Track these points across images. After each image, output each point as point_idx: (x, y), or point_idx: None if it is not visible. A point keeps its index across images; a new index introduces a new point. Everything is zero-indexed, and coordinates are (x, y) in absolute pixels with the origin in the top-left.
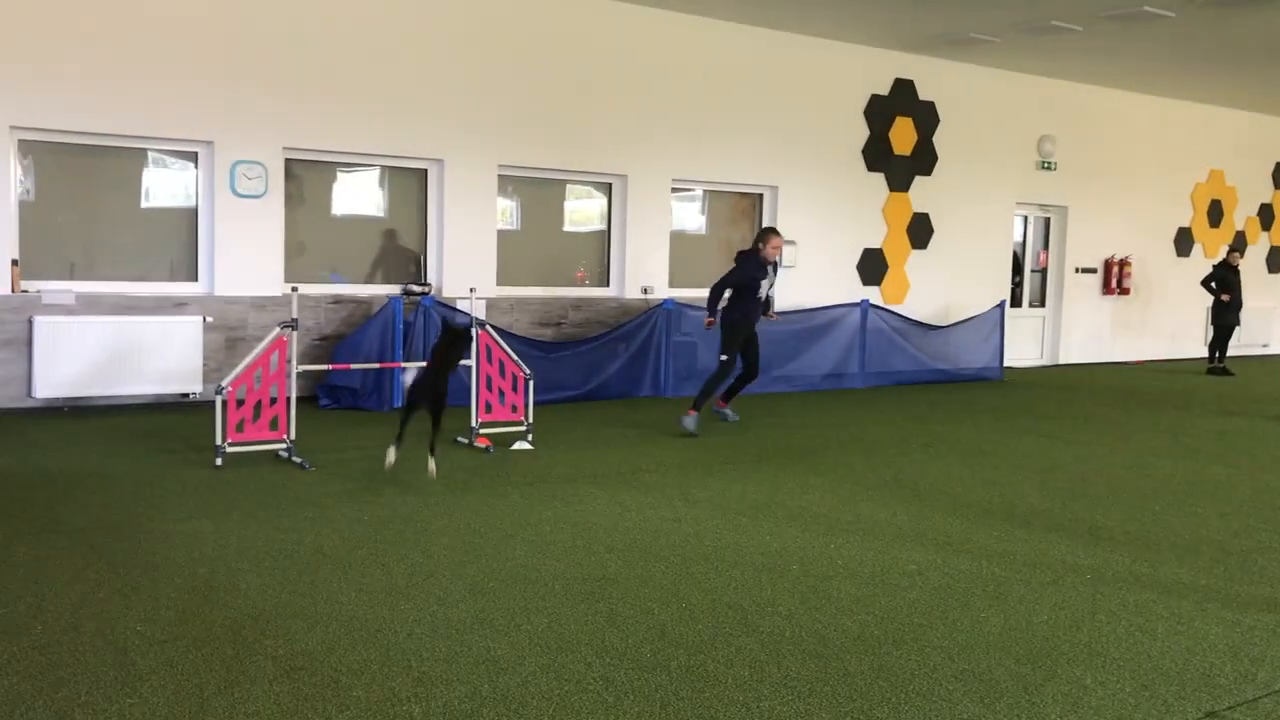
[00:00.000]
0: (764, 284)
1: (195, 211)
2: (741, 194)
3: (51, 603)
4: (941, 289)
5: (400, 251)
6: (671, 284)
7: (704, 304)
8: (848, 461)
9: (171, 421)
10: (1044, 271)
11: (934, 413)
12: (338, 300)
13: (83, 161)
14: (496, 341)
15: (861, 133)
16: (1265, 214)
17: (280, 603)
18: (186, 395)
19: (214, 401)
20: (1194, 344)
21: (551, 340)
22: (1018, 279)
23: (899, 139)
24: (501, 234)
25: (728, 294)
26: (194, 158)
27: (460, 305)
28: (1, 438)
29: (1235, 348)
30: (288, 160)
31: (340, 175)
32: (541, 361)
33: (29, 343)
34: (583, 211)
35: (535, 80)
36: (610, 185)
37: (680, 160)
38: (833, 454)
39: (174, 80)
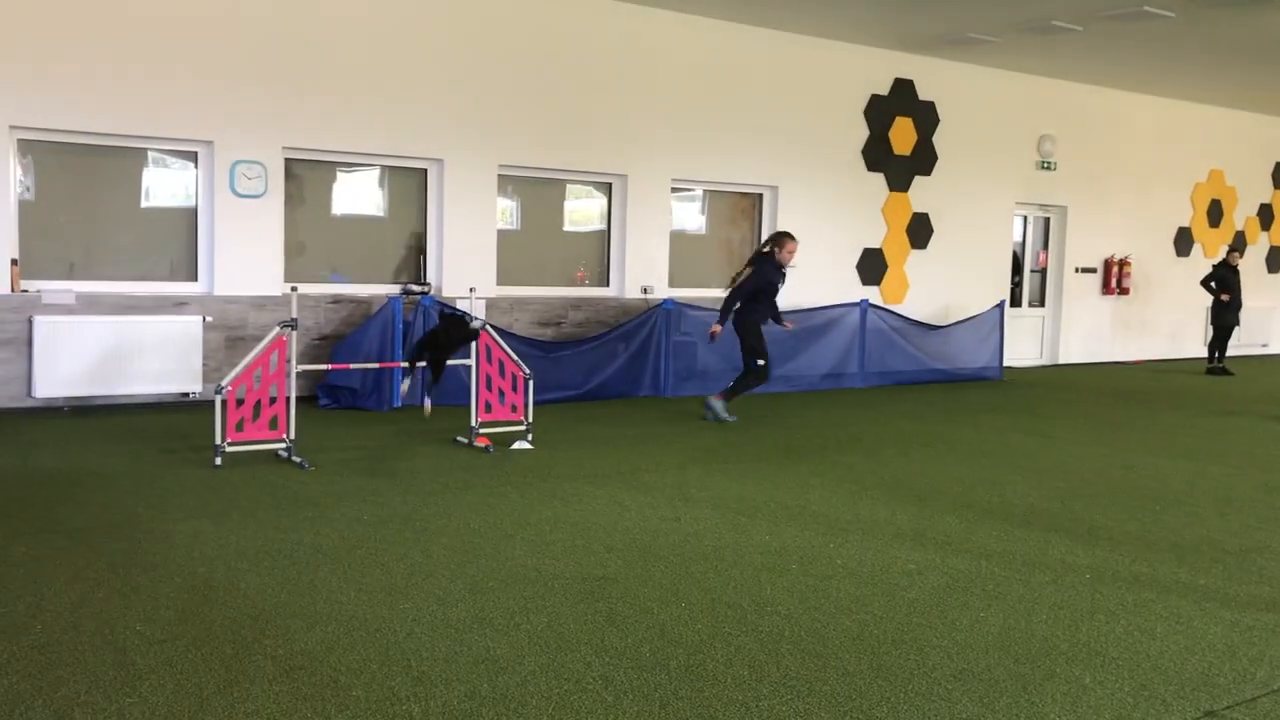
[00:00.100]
0: (780, 287)
1: (195, 211)
2: (741, 194)
3: (51, 602)
4: (941, 289)
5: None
6: (671, 284)
7: (701, 303)
8: (847, 461)
9: (171, 421)
10: (1044, 271)
11: (933, 412)
12: (337, 300)
13: (83, 161)
14: (496, 341)
15: (861, 132)
16: (1265, 214)
17: (279, 602)
18: (186, 395)
19: (213, 401)
20: (1193, 344)
21: (551, 340)
22: (1017, 279)
23: (899, 139)
24: (501, 234)
25: (736, 305)
26: (194, 157)
27: (460, 305)
28: (1, 437)
29: (1235, 347)
30: (287, 160)
31: (340, 175)
32: (541, 361)
33: (29, 342)
34: (582, 211)
35: (535, 80)
36: (610, 185)
37: (680, 160)
38: (832, 454)
39: (174, 80)
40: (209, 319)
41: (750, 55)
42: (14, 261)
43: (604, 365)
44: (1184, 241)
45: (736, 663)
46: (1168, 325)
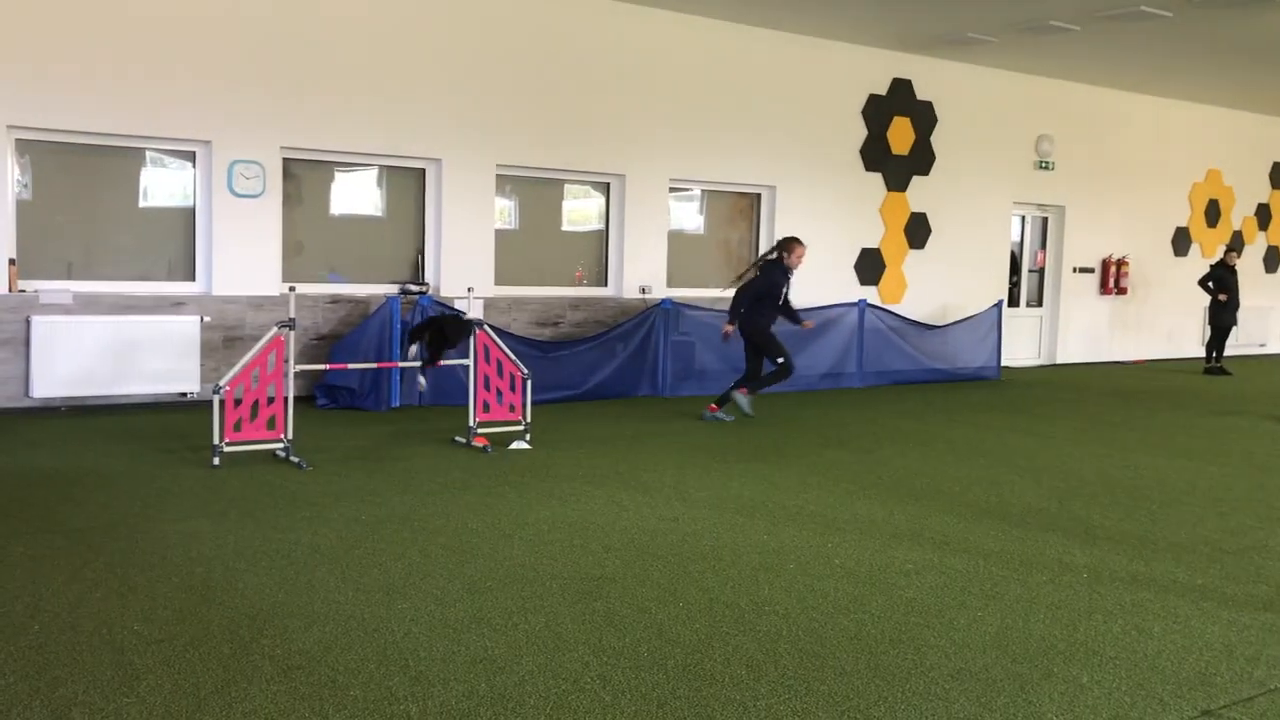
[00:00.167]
0: (786, 291)
1: (193, 211)
2: (740, 194)
3: (49, 602)
4: (939, 288)
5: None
6: (669, 284)
7: (699, 303)
8: (845, 461)
9: (169, 421)
10: (1041, 271)
11: (931, 412)
12: (335, 300)
13: (81, 161)
14: (494, 341)
15: (859, 132)
16: (1262, 214)
17: (277, 602)
18: (184, 395)
19: (211, 401)
20: (1191, 343)
21: (549, 340)
22: (1015, 278)
23: (897, 139)
24: (499, 233)
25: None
26: (192, 157)
27: (458, 304)
28: None
29: (1232, 347)
30: (285, 160)
31: (338, 175)
32: (539, 361)
33: (26, 342)
34: (581, 211)
35: (533, 80)
36: (608, 185)
37: (678, 160)
38: (829, 453)
39: (172, 80)
40: (207, 319)
41: (748, 55)
42: (12, 261)
43: (602, 365)
44: (1182, 241)
45: (734, 662)
46: (1165, 325)
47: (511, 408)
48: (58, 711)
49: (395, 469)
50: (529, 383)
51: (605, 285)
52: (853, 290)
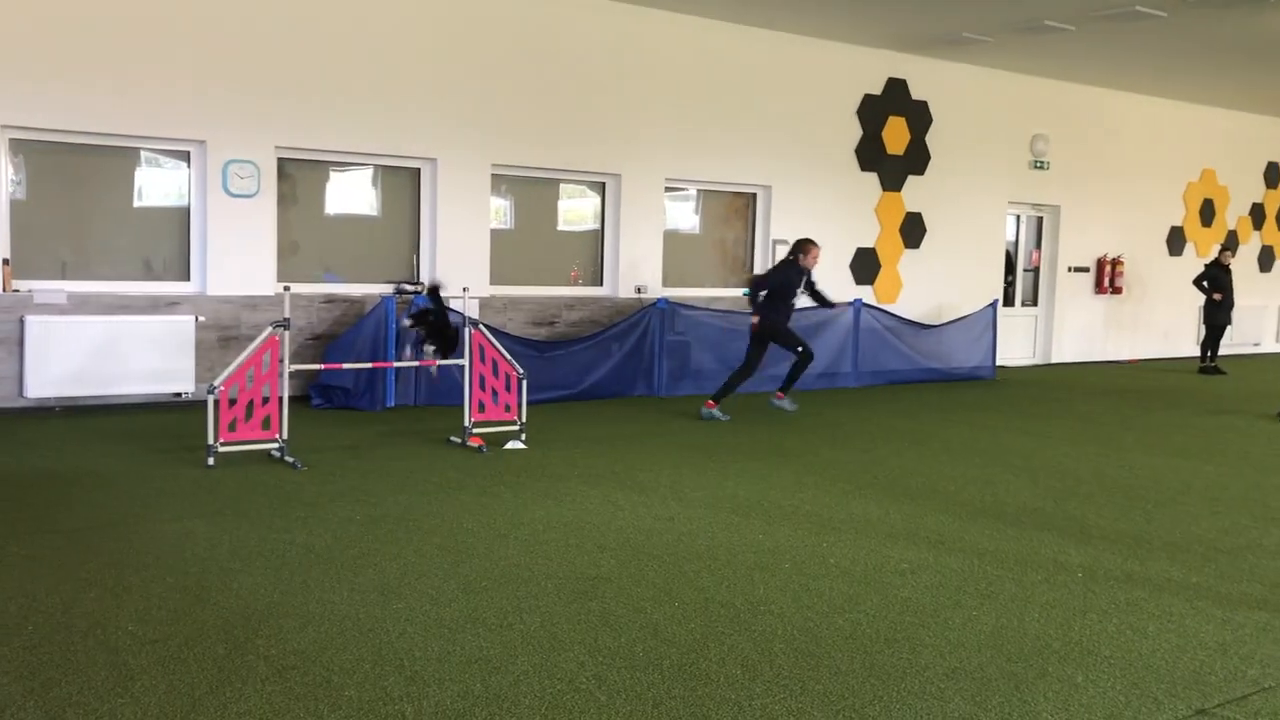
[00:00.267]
0: (799, 290)
1: (188, 211)
2: (735, 193)
3: (43, 602)
4: (934, 288)
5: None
6: (665, 283)
7: (694, 303)
8: (840, 460)
9: (163, 421)
10: (1036, 270)
11: (926, 412)
12: (330, 300)
13: (75, 160)
14: (490, 341)
15: (854, 132)
16: (1257, 213)
17: (272, 602)
18: (178, 395)
19: (206, 401)
20: (1186, 343)
21: (545, 339)
22: (1010, 278)
23: (892, 138)
24: (495, 233)
25: (761, 295)
26: (186, 157)
27: (454, 304)
28: None
29: (1227, 346)
30: (280, 159)
31: (333, 174)
32: (535, 361)
33: (20, 342)
34: (576, 210)
35: (528, 79)
36: (604, 184)
37: (674, 159)
38: (825, 453)
39: (166, 79)
40: (201, 319)
41: (743, 55)
42: (5, 261)
43: (598, 365)
44: (1176, 241)
45: (730, 662)
46: (1160, 324)
47: (507, 407)
48: (52, 712)
49: (390, 469)
50: (524, 382)
51: (601, 285)
52: (848, 290)
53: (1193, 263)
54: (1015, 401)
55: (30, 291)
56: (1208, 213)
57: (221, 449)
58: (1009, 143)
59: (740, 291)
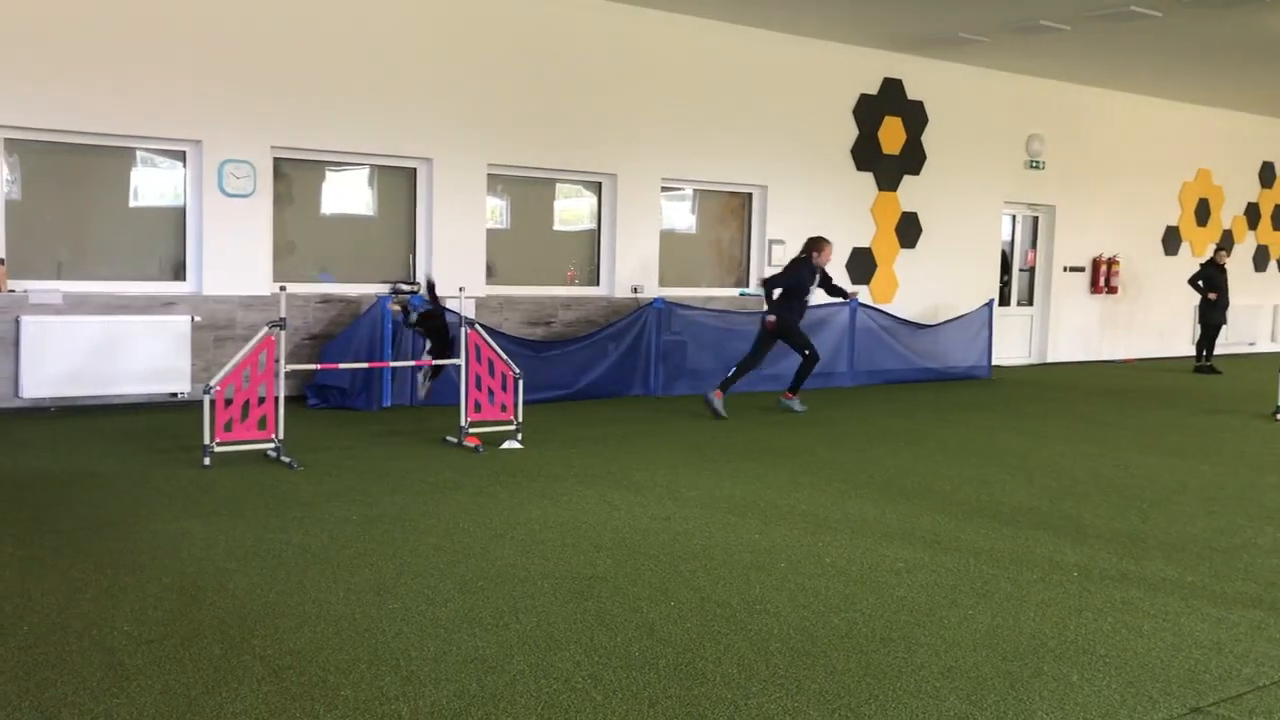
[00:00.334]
0: (812, 287)
1: (183, 211)
2: (731, 193)
3: (38, 603)
4: (930, 288)
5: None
6: (661, 283)
7: (691, 303)
8: (836, 460)
9: (159, 421)
10: (1032, 270)
11: (922, 411)
12: (326, 300)
13: (70, 160)
14: (486, 340)
15: (850, 132)
16: (1252, 213)
17: (268, 602)
18: (174, 395)
19: (202, 401)
20: (1181, 342)
21: (541, 339)
22: (1006, 278)
23: (888, 138)
24: (491, 233)
25: (777, 293)
26: (182, 157)
27: (449, 304)
28: None
29: (1222, 346)
30: (276, 159)
31: (329, 174)
32: (531, 361)
33: (16, 342)
34: (572, 210)
35: (524, 79)
36: (600, 184)
37: (670, 159)
38: (821, 452)
39: (162, 79)
40: (197, 319)
41: (739, 55)
42: (0, 261)
43: (594, 365)
44: (1172, 240)
45: (725, 661)
46: (1156, 324)
47: (503, 407)
48: (48, 712)
49: (386, 469)
50: (520, 382)
51: (597, 285)
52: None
53: (1188, 262)
54: (1011, 401)
55: (26, 291)
56: (1203, 212)
57: (217, 449)
58: (1005, 142)
59: (738, 291)
